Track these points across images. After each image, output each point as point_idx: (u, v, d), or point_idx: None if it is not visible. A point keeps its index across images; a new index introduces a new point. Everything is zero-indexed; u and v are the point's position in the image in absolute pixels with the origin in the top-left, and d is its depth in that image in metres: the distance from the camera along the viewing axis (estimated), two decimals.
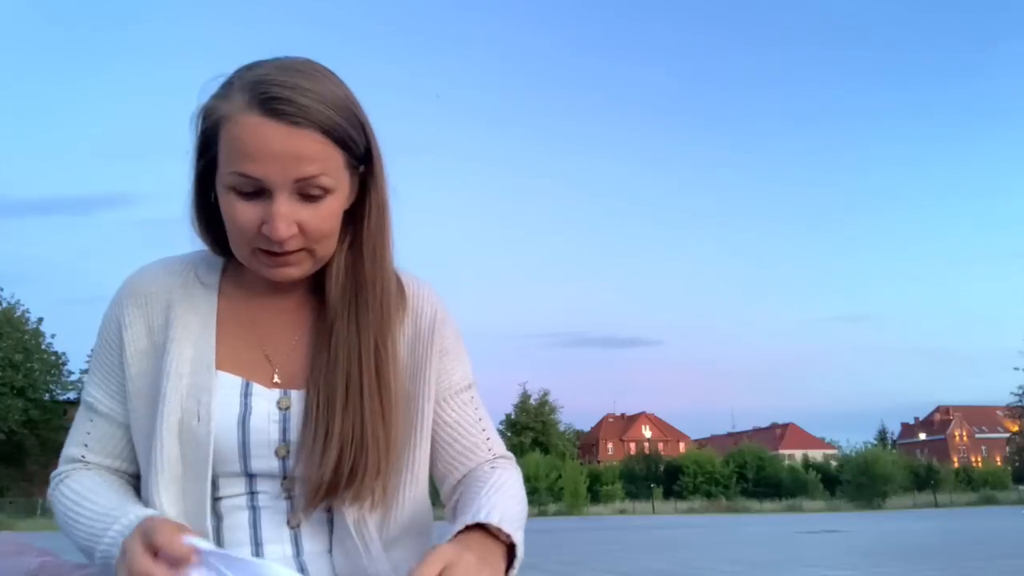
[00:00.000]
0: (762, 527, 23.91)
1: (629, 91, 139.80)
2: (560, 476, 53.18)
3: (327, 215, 0.94)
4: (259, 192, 0.90)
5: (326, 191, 0.92)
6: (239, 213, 0.91)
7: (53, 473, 1.04)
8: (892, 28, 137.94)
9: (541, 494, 52.14)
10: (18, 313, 44.20)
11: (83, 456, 1.03)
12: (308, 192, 0.91)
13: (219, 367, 0.98)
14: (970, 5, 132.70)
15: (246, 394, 0.98)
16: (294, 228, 0.91)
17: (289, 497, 0.98)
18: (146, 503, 0.96)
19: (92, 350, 1.07)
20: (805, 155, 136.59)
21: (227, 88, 0.92)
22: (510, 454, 1.13)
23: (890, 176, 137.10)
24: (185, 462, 0.95)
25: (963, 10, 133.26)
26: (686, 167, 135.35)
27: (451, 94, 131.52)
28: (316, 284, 1.04)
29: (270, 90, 0.89)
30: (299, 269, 0.97)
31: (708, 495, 59.07)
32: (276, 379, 1.01)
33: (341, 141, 0.93)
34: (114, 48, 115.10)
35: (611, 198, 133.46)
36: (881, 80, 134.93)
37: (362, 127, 0.97)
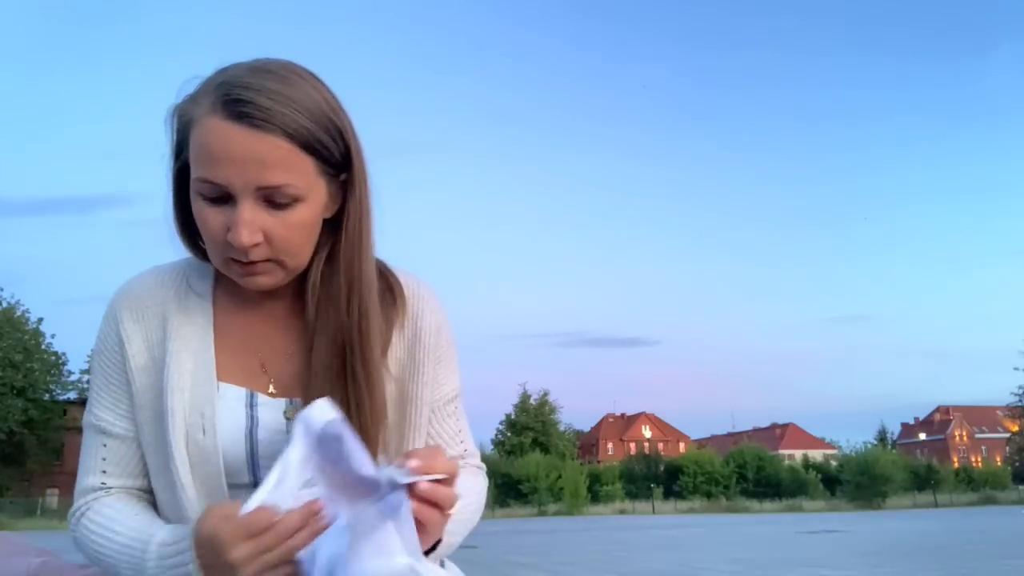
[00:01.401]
0: (762, 527, 23.91)
1: (629, 89, 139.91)
2: (560, 476, 53.15)
3: (295, 224, 0.90)
4: (224, 198, 0.88)
5: (294, 199, 0.89)
6: (207, 219, 0.89)
7: (72, 510, 0.99)
8: (893, 27, 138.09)
9: (541, 494, 52.16)
10: (18, 313, 44.24)
11: (103, 483, 0.98)
12: (274, 200, 0.88)
13: (220, 378, 0.97)
14: (970, 5, 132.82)
15: (251, 405, 0.97)
16: (259, 236, 0.88)
17: None
18: (166, 520, 0.95)
19: (91, 369, 1.03)
20: (805, 155, 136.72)
21: (197, 90, 0.91)
22: (482, 465, 1.14)
23: (890, 176, 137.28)
24: (195, 475, 0.93)
25: (963, 10, 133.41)
26: (686, 166, 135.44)
27: (452, 91, 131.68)
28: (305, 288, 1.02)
29: (233, 91, 0.86)
30: (270, 279, 0.94)
31: (708, 495, 59.00)
32: (272, 388, 0.99)
33: (310, 147, 0.89)
34: (114, 48, 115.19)
35: (611, 198, 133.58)
36: (881, 79, 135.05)
37: (340, 133, 0.92)
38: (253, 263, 0.90)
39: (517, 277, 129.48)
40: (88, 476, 0.99)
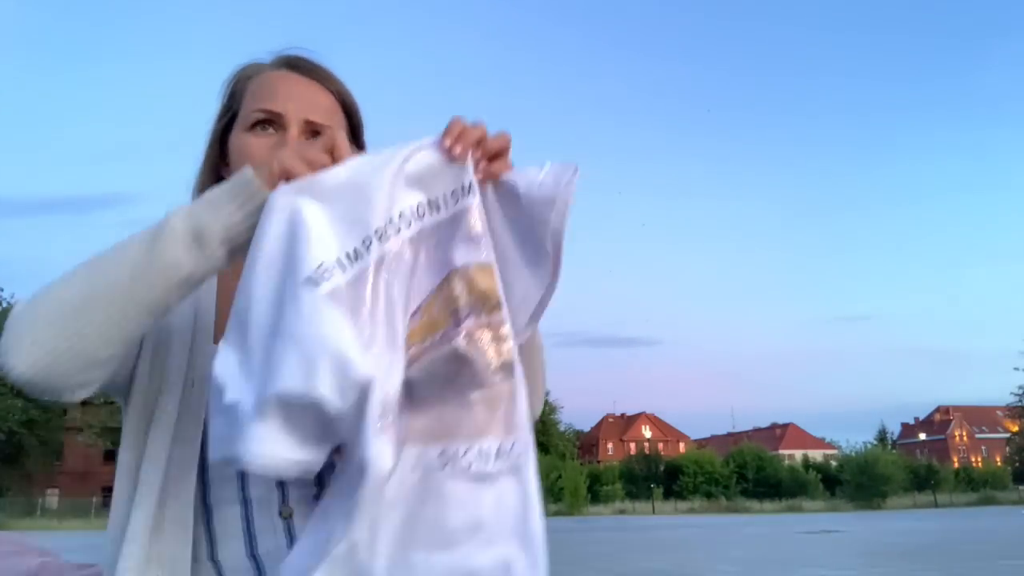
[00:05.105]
0: (762, 527, 23.93)
1: (628, 88, 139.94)
2: (560, 476, 53.06)
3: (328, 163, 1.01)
4: (274, 127, 1.02)
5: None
6: (253, 145, 1.01)
7: None
8: (894, 21, 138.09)
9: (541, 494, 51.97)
10: None
11: None
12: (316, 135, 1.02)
13: (216, 340, 0.99)
14: (969, 2, 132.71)
15: None
16: None
17: (280, 485, 0.98)
18: (139, 456, 0.95)
19: None
20: (805, 154, 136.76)
21: (255, 60, 1.09)
22: None
23: (890, 175, 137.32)
24: (177, 425, 0.95)
25: (964, 4, 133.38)
26: (685, 165, 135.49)
27: (454, 88, 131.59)
28: None
29: (293, 52, 1.08)
30: None
31: (708, 495, 59.03)
32: None
33: (348, 111, 1.08)
34: (113, 48, 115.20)
35: (610, 197, 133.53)
36: (881, 76, 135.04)
37: (361, 126, 1.10)
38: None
39: None
40: None
